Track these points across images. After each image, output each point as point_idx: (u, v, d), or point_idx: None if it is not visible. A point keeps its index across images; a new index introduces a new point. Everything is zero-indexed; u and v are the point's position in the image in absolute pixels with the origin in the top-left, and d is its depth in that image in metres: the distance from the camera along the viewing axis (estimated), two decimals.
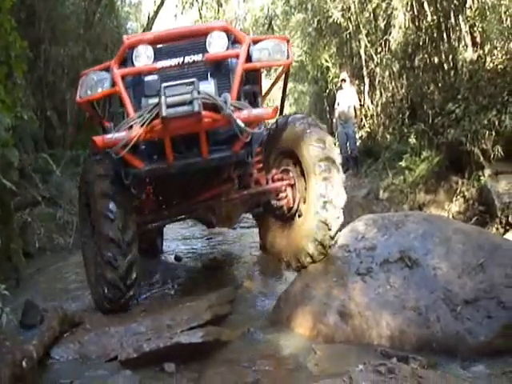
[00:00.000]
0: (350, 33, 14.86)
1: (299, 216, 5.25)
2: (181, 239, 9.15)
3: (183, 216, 6.08)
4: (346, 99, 13.54)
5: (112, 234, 4.84)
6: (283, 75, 5.65)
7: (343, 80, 13.74)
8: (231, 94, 4.65)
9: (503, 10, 10.05)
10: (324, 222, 4.83)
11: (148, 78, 4.74)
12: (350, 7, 14.36)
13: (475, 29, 11.13)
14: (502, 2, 10.06)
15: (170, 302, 5.48)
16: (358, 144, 14.24)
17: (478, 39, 11.18)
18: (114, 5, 15.58)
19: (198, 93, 4.35)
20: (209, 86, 4.63)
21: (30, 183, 9.18)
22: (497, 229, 8.61)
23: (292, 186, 5.38)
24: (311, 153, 4.95)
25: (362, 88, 14.95)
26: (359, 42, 14.82)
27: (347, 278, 4.61)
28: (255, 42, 5.09)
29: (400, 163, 11.54)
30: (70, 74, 12.55)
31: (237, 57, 4.85)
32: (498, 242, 4.68)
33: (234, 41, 5.00)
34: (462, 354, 3.82)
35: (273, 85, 6.17)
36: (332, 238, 4.94)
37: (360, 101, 14.12)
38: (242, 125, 4.46)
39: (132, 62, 4.90)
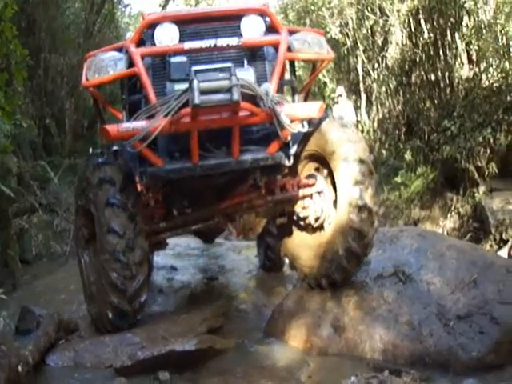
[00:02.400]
0: (347, 48, 15.00)
1: (329, 226, 4.59)
2: (175, 249, 9.12)
3: (196, 226, 5.14)
4: (343, 114, 13.57)
5: (120, 253, 4.28)
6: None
7: (340, 95, 13.80)
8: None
9: (499, 28, 10.21)
10: (358, 229, 4.22)
11: (174, 60, 3.99)
12: (347, 23, 14.50)
13: (471, 47, 11.28)
14: (497, 20, 10.22)
15: (165, 314, 5.45)
16: None
17: (474, 57, 11.33)
18: (114, 15, 15.70)
19: (237, 79, 3.73)
20: (247, 74, 3.94)
21: (27, 190, 9.20)
22: (491, 245, 8.69)
23: (320, 193, 4.68)
24: (341, 154, 4.29)
25: (358, 103, 15.04)
26: (356, 58, 14.95)
27: (341, 291, 4.63)
28: (290, 32, 4.48)
29: (395, 179, 11.63)
30: (69, 82, 12.61)
31: (277, 44, 4.26)
32: (490, 258, 4.74)
33: (268, 27, 4.39)
34: (455, 368, 3.86)
35: (310, 81, 5.40)
36: (367, 247, 4.39)
37: (356, 116, 14.18)
38: (288, 121, 3.92)
39: (152, 43, 4.24)
